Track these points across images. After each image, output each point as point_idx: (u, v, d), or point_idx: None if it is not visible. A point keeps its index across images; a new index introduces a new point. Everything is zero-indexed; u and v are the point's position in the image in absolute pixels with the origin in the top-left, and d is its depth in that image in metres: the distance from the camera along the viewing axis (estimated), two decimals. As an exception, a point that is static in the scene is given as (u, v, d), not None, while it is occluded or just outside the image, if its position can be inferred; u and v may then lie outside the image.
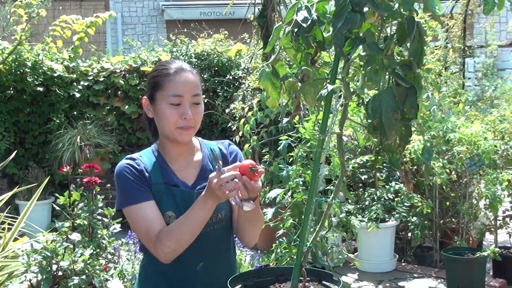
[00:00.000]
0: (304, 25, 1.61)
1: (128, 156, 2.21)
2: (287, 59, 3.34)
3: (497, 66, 14.05)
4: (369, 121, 1.57)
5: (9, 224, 3.85)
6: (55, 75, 7.42)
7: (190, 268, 2.15)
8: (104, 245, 3.57)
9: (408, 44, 1.60)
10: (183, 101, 2.09)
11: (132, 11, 15.14)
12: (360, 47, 1.61)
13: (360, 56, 1.65)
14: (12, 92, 7.27)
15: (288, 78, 1.75)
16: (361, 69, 1.68)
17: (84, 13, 10.77)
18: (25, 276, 3.25)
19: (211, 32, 8.77)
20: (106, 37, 14.40)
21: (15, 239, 3.78)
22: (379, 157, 5.22)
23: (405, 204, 5.10)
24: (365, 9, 1.58)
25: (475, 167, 4.98)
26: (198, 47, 8.20)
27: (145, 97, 2.19)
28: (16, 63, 7.29)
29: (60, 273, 3.24)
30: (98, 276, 3.25)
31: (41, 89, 7.31)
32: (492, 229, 5.53)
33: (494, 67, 13.64)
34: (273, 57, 1.72)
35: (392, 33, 1.59)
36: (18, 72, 7.27)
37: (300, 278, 1.77)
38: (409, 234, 5.53)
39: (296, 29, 1.64)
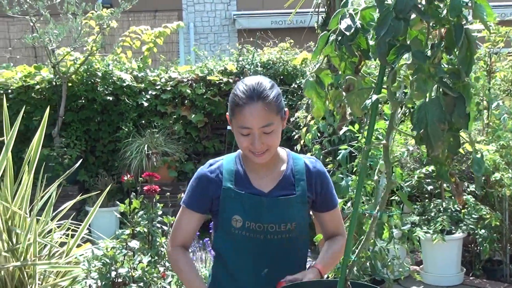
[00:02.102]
0: (347, 33, 1.58)
1: (211, 161, 2.33)
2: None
3: None
4: (415, 132, 1.51)
5: (73, 230, 3.95)
6: (124, 84, 7.61)
7: (254, 274, 2.18)
8: (162, 253, 3.62)
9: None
10: (252, 132, 2.10)
11: (204, 21, 15.34)
12: (406, 55, 1.56)
13: (409, 65, 1.60)
14: (83, 101, 7.50)
15: (333, 88, 1.72)
16: (410, 78, 1.63)
17: (158, 24, 11.02)
18: (85, 282, 3.33)
19: (277, 41, 8.77)
20: (179, 46, 14.65)
21: (79, 246, 3.88)
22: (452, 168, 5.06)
23: (473, 216, 4.93)
24: (413, 16, 1.53)
25: (548, 178, 4.77)
26: (264, 56, 8.21)
27: (227, 113, 2.24)
28: (87, 73, 7.52)
29: (119, 280, 3.30)
30: (155, 283, 3.29)
31: (110, 98, 7.51)
32: None
33: None
34: (317, 66, 1.69)
35: (438, 40, 1.53)
36: (89, 82, 7.50)
37: (346, 292, 1.72)
38: (479, 248, 5.35)
39: (339, 38, 1.60)
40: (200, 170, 2.29)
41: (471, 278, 5.19)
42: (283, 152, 2.31)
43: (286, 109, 2.22)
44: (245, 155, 2.25)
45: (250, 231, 2.17)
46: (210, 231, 3.08)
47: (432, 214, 5.06)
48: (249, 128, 2.09)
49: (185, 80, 7.92)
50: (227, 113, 2.23)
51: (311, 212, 2.36)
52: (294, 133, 6.20)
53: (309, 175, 2.26)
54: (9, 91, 7.36)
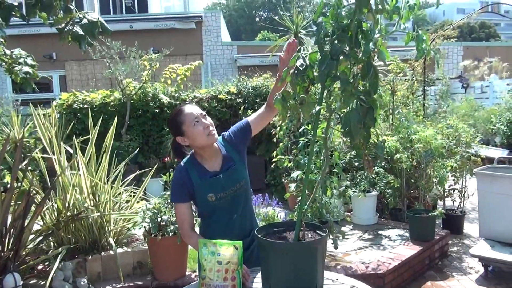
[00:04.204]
0: (301, 68, 1.58)
1: (179, 166, 2.16)
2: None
3: (450, 91, 13.78)
4: (342, 129, 1.52)
5: (134, 192, 3.95)
6: (166, 102, 7.55)
7: (228, 219, 2.14)
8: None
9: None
10: (199, 118, 2.10)
11: (217, 61, 15.31)
12: (337, 81, 1.57)
13: (339, 87, 1.60)
14: (140, 112, 7.44)
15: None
16: (339, 95, 1.63)
17: (187, 62, 10.85)
18: (142, 225, 3.32)
19: (261, 73, 8.72)
20: (201, 77, 14.63)
21: (138, 202, 3.87)
22: (366, 151, 5.06)
23: (383, 181, 4.94)
24: (341, 57, 1.54)
25: (429, 157, 4.79)
26: (253, 83, 8.17)
27: (177, 137, 2.14)
28: (143, 95, 7.46)
29: (163, 223, 3.30)
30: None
31: (157, 110, 7.44)
32: (441, 197, 5.31)
33: (448, 92, 13.31)
34: (282, 89, 1.69)
35: (357, 72, 1.54)
36: (144, 100, 7.43)
37: (302, 228, 1.73)
38: (387, 201, 5.35)
39: (296, 71, 1.60)
40: (174, 174, 2.14)
41: (382, 220, 5.22)
42: (215, 145, 2.20)
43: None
44: (198, 154, 2.15)
45: (221, 199, 2.11)
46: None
47: (358, 180, 5.07)
48: (196, 116, 2.08)
49: (204, 98, 7.88)
50: (176, 137, 2.13)
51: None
52: (272, 130, 6.18)
53: (229, 143, 2.22)
54: (94, 106, 7.30)
